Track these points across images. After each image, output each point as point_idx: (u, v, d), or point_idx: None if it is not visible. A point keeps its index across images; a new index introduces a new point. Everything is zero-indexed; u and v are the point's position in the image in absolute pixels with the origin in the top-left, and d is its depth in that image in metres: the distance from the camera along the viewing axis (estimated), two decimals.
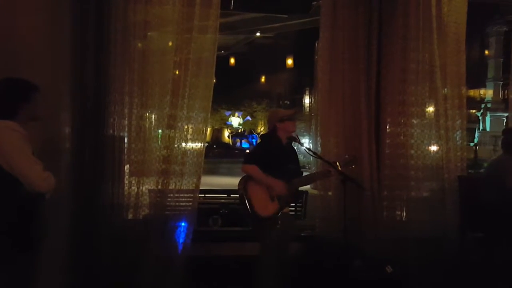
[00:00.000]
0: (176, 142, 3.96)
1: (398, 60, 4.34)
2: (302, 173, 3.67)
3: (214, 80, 4.15)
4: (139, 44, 4.01)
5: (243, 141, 32.68)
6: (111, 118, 3.92)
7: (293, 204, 5.02)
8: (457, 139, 4.39)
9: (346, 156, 3.64)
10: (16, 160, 2.22)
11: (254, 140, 32.24)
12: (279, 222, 3.38)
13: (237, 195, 3.53)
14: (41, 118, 2.50)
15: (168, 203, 3.97)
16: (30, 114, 2.40)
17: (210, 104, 4.07)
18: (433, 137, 4.38)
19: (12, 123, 2.27)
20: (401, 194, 4.36)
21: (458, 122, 4.39)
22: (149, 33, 4.05)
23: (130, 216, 3.97)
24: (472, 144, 19.98)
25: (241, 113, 32.53)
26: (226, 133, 34.57)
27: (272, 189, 3.38)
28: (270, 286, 3.35)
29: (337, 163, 3.44)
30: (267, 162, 3.37)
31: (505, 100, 20.98)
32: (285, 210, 3.57)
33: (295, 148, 3.74)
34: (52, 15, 3.37)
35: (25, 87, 2.41)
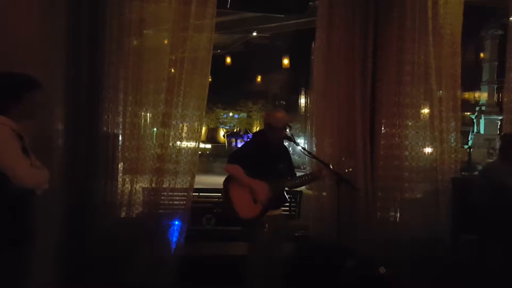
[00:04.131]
0: (170, 140, 3.95)
1: (393, 61, 4.35)
2: (294, 174, 3.62)
3: (210, 79, 4.14)
4: (134, 42, 3.99)
5: (238, 140, 32.62)
6: (105, 115, 3.91)
7: (287, 204, 5.02)
8: (451, 141, 4.41)
9: (343, 159, 3.53)
10: (2, 155, 2.19)
11: None
12: (266, 225, 3.30)
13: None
14: (35, 117, 2.42)
15: (161, 202, 3.96)
16: (23, 112, 2.33)
17: (205, 102, 4.06)
18: (427, 139, 4.40)
19: (0, 117, 2.23)
20: (395, 195, 4.37)
21: (452, 124, 4.41)
22: (144, 31, 4.04)
23: (123, 214, 3.95)
24: (466, 146, 20.05)
25: (238, 116, 32.72)
26: (222, 132, 34.53)
27: (254, 191, 3.29)
28: (260, 286, 3.33)
29: (331, 165, 3.37)
30: (252, 162, 3.30)
31: (499, 103, 21.08)
32: (277, 212, 3.51)
33: (288, 148, 3.66)
34: (46, 11, 3.34)
35: (19, 85, 2.32)
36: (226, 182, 3.37)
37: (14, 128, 2.25)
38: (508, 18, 4.57)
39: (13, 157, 2.20)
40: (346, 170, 3.45)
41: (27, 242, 2.34)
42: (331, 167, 3.35)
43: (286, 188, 3.55)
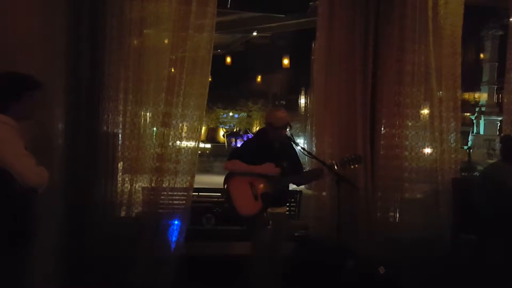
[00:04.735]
0: (170, 140, 3.95)
1: (394, 61, 4.35)
2: (302, 171, 3.58)
3: (210, 79, 4.14)
4: (135, 41, 3.99)
5: (238, 140, 32.62)
6: (105, 115, 3.90)
7: (287, 204, 5.01)
8: (451, 141, 4.41)
9: (347, 155, 3.46)
10: (7, 154, 2.19)
11: None
12: (270, 222, 3.30)
13: None
14: (33, 116, 2.44)
15: (161, 201, 3.96)
16: (22, 111, 2.34)
17: (206, 102, 4.06)
18: (427, 139, 4.39)
19: (3, 116, 2.24)
20: (395, 195, 4.37)
21: (452, 124, 4.41)
22: (145, 30, 4.03)
23: (123, 214, 3.95)
24: (466, 147, 20.06)
25: (237, 115, 32.75)
26: (221, 132, 34.54)
27: (262, 171, 3.26)
28: (260, 285, 3.33)
29: (333, 163, 3.34)
30: (252, 160, 3.30)
31: (499, 104, 21.08)
32: (281, 210, 3.51)
33: (295, 148, 3.59)
34: (47, 11, 3.34)
35: (19, 84, 2.34)
36: (226, 180, 3.37)
37: (16, 127, 2.26)
38: (509, 19, 4.57)
39: (18, 156, 2.21)
40: (352, 167, 3.41)
41: (30, 240, 2.35)
42: (334, 167, 3.33)
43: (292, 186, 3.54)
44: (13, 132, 2.24)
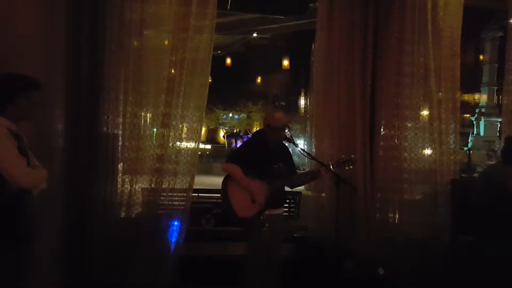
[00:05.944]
0: (170, 141, 3.95)
1: (393, 63, 4.36)
2: (295, 173, 3.62)
3: (210, 80, 4.15)
4: (135, 42, 3.99)
5: (238, 141, 32.62)
6: (105, 116, 3.90)
7: (287, 205, 5.02)
8: (451, 142, 4.41)
9: (343, 156, 3.47)
10: None
11: None
12: (266, 224, 3.31)
13: None
14: (32, 117, 2.44)
15: (161, 202, 3.96)
16: (20, 112, 2.34)
17: (205, 103, 4.06)
18: (426, 140, 4.40)
19: None
20: (394, 196, 4.38)
21: (451, 126, 4.41)
22: (145, 32, 4.04)
23: (122, 214, 3.95)
24: (465, 148, 20.08)
25: (237, 116, 32.78)
26: (222, 133, 34.55)
27: (252, 192, 3.30)
28: (255, 286, 3.33)
29: (329, 163, 3.36)
30: (251, 161, 3.31)
31: (499, 105, 21.10)
32: (278, 211, 3.52)
33: (289, 148, 3.69)
34: (47, 11, 3.35)
35: (14, 85, 2.34)
36: (224, 181, 3.38)
37: (10, 128, 2.26)
38: (508, 20, 4.58)
39: (8, 158, 2.21)
40: (347, 168, 3.42)
41: (23, 242, 2.34)
42: (330, 167, 3.35)
43: (287, 188, 3.56)
44: (5, 134, 2.23)
